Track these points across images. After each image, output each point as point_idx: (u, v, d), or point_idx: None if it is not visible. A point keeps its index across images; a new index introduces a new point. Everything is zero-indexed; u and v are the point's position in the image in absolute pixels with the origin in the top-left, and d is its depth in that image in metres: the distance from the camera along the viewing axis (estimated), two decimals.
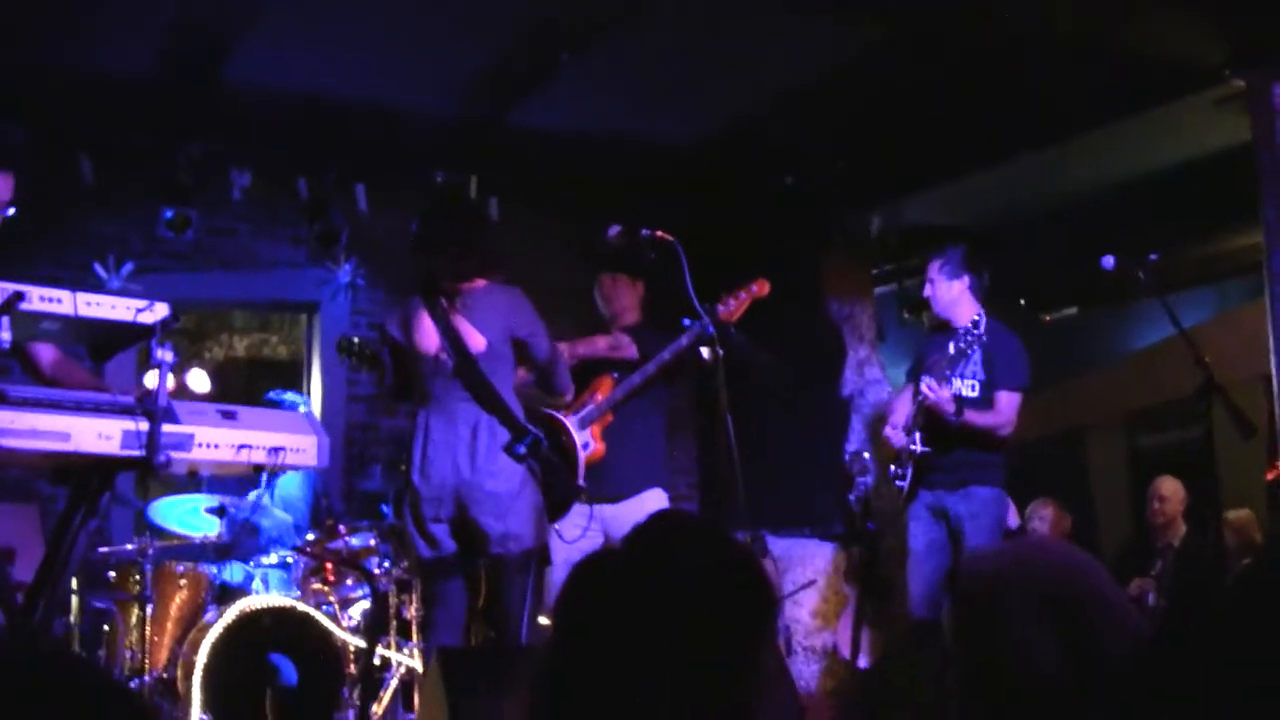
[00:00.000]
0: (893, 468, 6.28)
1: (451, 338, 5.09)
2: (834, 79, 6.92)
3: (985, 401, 6.19)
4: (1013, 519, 8.01)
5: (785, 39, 6.57)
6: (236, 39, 6.59)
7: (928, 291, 6.48)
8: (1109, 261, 5.54)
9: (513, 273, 5.31)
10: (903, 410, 6.33)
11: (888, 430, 6.39)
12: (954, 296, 6.36)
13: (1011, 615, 2.08)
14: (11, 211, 4.59)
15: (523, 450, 4.96)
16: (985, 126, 7.29)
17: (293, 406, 7.37)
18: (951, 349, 5.97)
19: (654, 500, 6.25)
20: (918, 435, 6.12)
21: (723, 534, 2.13)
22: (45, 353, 4.57)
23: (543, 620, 5.57)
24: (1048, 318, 10.39)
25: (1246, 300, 8.93)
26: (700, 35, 6.53)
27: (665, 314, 6.07)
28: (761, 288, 5.97)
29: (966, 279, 6.35)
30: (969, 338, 5.91)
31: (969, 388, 6.20)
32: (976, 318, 5.94)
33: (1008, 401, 6.19)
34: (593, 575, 2.05)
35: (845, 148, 7.75)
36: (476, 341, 5.09)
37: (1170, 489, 7.79)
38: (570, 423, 5.99)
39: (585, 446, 6.04)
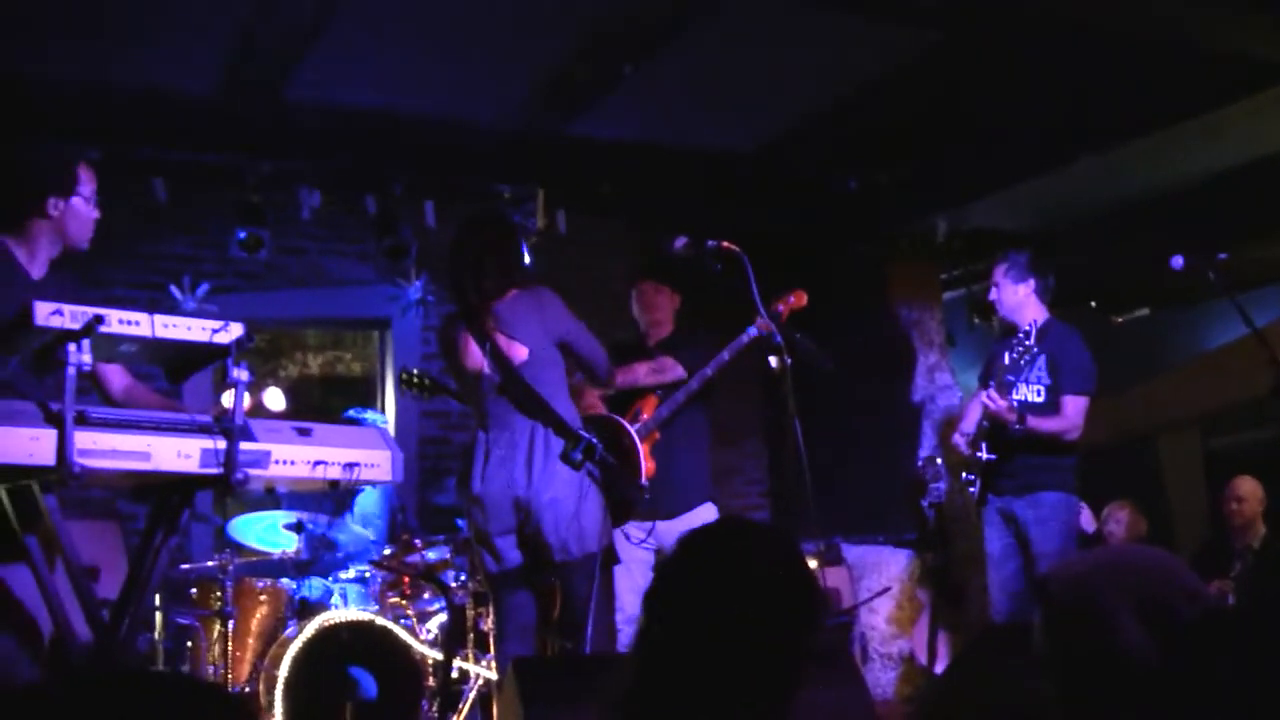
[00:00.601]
0: (964, 474, 6.30)
1: (493, 353, 5.11)
2: (896, 81, 6.89)
3: (1051, 406, 6.16)
4: (1088, 523, 7.96)
5: (845, 42, 6.56)
6: (300, 57, 6.67)
7: (993, 295, 6.47)
8: (1178, 261, 5.50)
9: (579, 282, 5.32)
10: (972, 417, 6.34)
11: (955, 437, 6.40)
12: (1020, 300, 6.36)
13: (1105, 617, 2.09)
14: (96, 215, 4.71)
15: (578, 456, 4.99)
16: (1049, 127, 7.26)
17: (372, 425, 7.45)
18: (1006, 358, 6.03)
19: (707, 515, 6.20)
20: (984, 443, 6.15)
21: (767, 537, 2.21)
22: (114, 375, 4.65)
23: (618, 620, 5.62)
24: (1119, 319, 10.31)
25: None
26: (759, 41, 6.53)
27: (723, 322, 6.05)
28: (799, 299, 5.97)
29: (1032, 282, 6.35)
30: (1020, 346, 5.96)
31: (1034, 393, 6.18)
32: (1030, 326, 5.97)
33: (1073, 406, 6.15)
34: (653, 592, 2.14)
35: (909, 151, 7.72)
36: (519, 353, 5.11)
37: (1249, 489, 7.70)
38: (630, 426, 5.98)
39: None
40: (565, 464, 5.02)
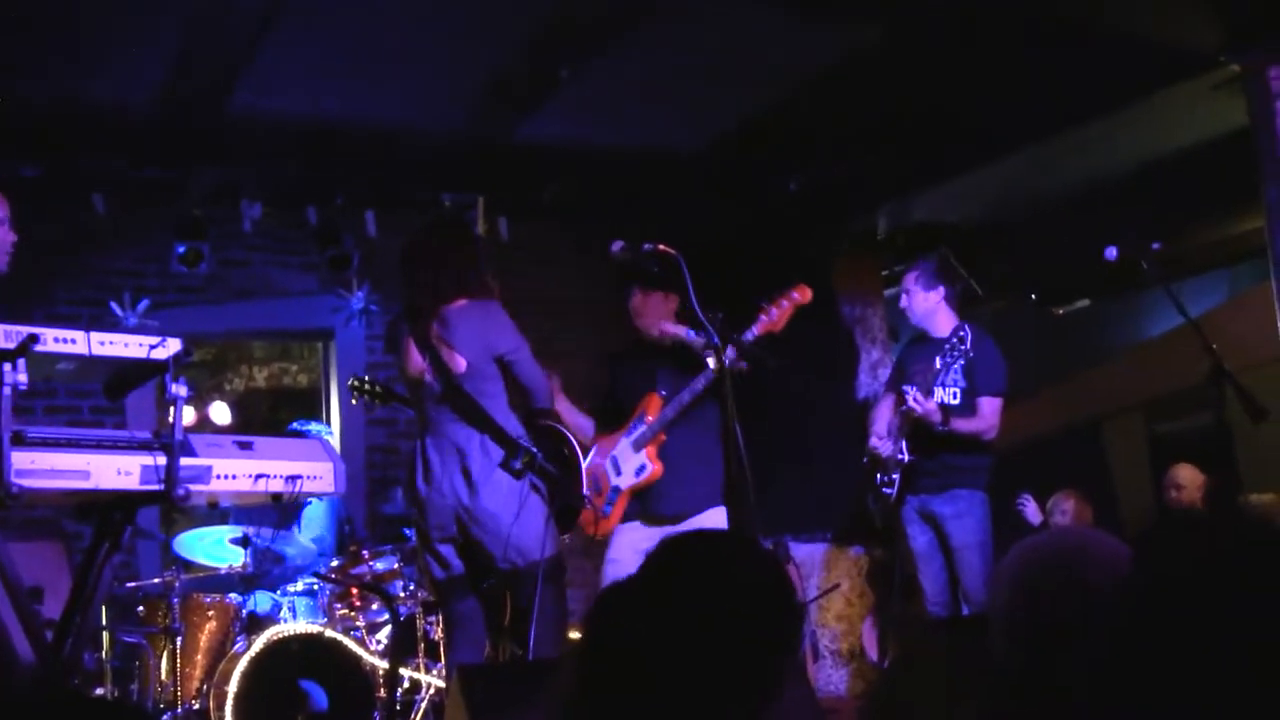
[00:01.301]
0: (879, 475, 6.44)
1: (433, 359, 5.09)
2: (831, 78, 6.92)
3: (968, 408, 6.32)
4: (1034, 515, 8.04)
5: (781, 41, 6.58)
6: (237, 70, 6.64)
7: (904, 303, 6.62)
8: (1112, 252, 5.58)
9: (523, 289, 5.31)
10: (883, 420, 6.51)
11: (872, 440, 6.51)
12: (930, 307, 6.50)
13: (1058, 602, 2.12)
14: (14, 238, 4.67)
15: (518, 465, 4.98)
16: (986, 120, 7.30)
17: (316, 436, 7.43)
18: (937, 362, 6.13)
19: (715, 518, 5.91)
20: (904, 444, 6.30)
21: (745, 550, 2.19)
22: None
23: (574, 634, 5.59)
24: (1060, 311, 10.40)
25: (1259, 282, 8.92)
26: (695, 42, 6.55)
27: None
28: (804, 294, 5.86)
29: (942, 289, 6.49)
30: (955, 351, 6.07)
31: (950, 395, 6.34)
32: (962, 332, 6.07)
33: (990, 407, 6.32)
34: (610, 600, 2.11)
35: (847, 148, 7.75)
36: (457, 363, 5.08)
37: (1187, 476, 7.79)
38: (571, 434, 5.85)
39: (642, 469, 5.98)
40: (505, 472, 5.02)
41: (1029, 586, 2.25)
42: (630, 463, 5.99)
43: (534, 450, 5.05)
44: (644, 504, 5.98)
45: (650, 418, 6.05)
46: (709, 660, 1.99)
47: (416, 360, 5.15)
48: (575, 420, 6.13)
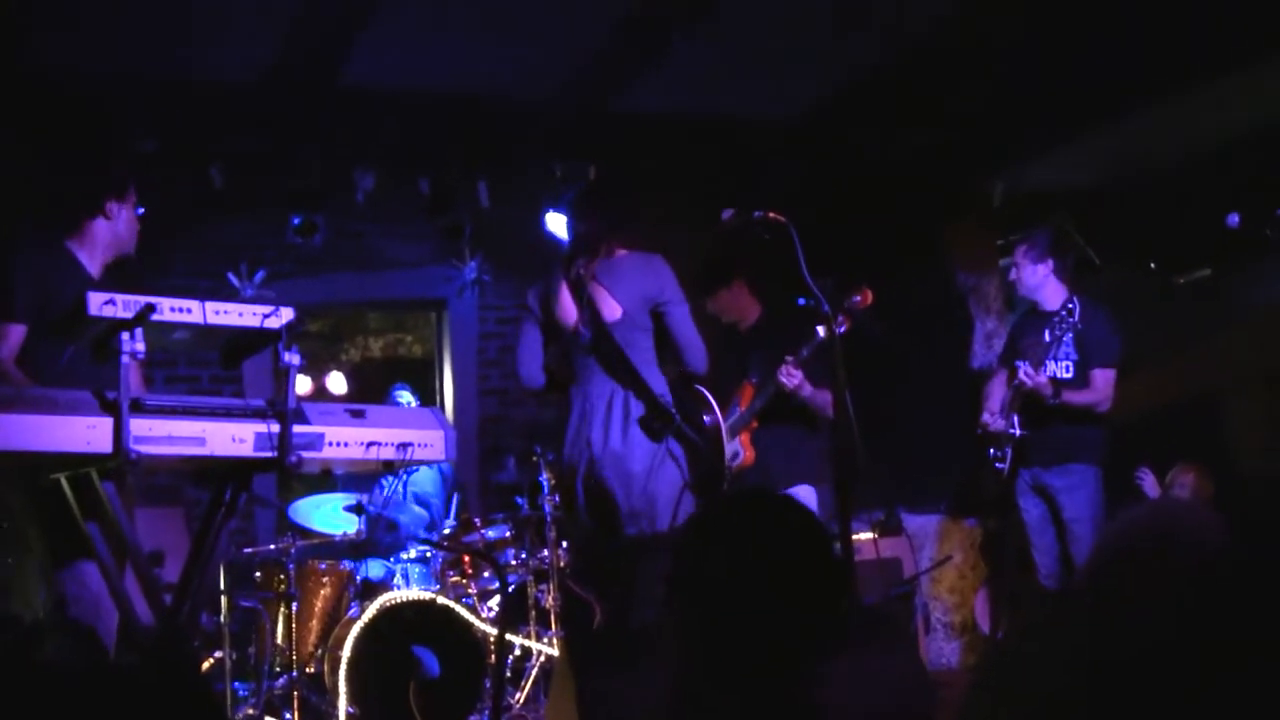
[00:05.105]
0: (992, 450, 6.41)
1: (587, 307, 5.00)
2: (945, 40, 6.81)
3: (1081, 380, 6.30)
4: (1152, 488, 7.88)
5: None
6: (350, 41, 6.70)
7: (1013, 275, 6.62)
8: (1234, 219, 5.48)
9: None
10: (997, 395, 6.48)
11: (985, 416, 6.49)
12: (1039, 280, 6.48)
13: (1134, 576, 2.08)
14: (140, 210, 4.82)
15: (656, 425, 4.87)
16: (1104, 78, 7.11)
17: (398, 402, 7.56)
18: (1046, 335, 6.14)
19: (801, 496, 5.93)
20: (1015, 418, 6.28)
21: (777, 508, 2.24)
22: None
23: None
24: (1181, 280, 10.16)
25: None
26: (796, 7, 6.49)
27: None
28: (866, 298, 5.95)
29: (1051, 262, 6.46)
30: (1064, 325, 6.07)
31: (1064, 369, 6.32)
32: (1070, 304, 6.05)
33: (1103, 379, 6.29)
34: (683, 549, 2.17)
35: (961, 112, 7.62)
36: (612, 310, 4.99)
37: None
38: (714, 401, 5.80)
39: (736, 456, 5.97)
40: (644, 431, 4.96)
41: (1106, 559, 2.21)
42: (727, 449, 5.97)
43: (674, 412, 4.94)
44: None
45: (742, 407, 6.09)
46: (743, 613, 2.08)
47: (568, 307, 5.05)
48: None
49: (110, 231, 4.93)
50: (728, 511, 2.24)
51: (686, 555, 2.16)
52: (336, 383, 9.56)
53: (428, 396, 8.77)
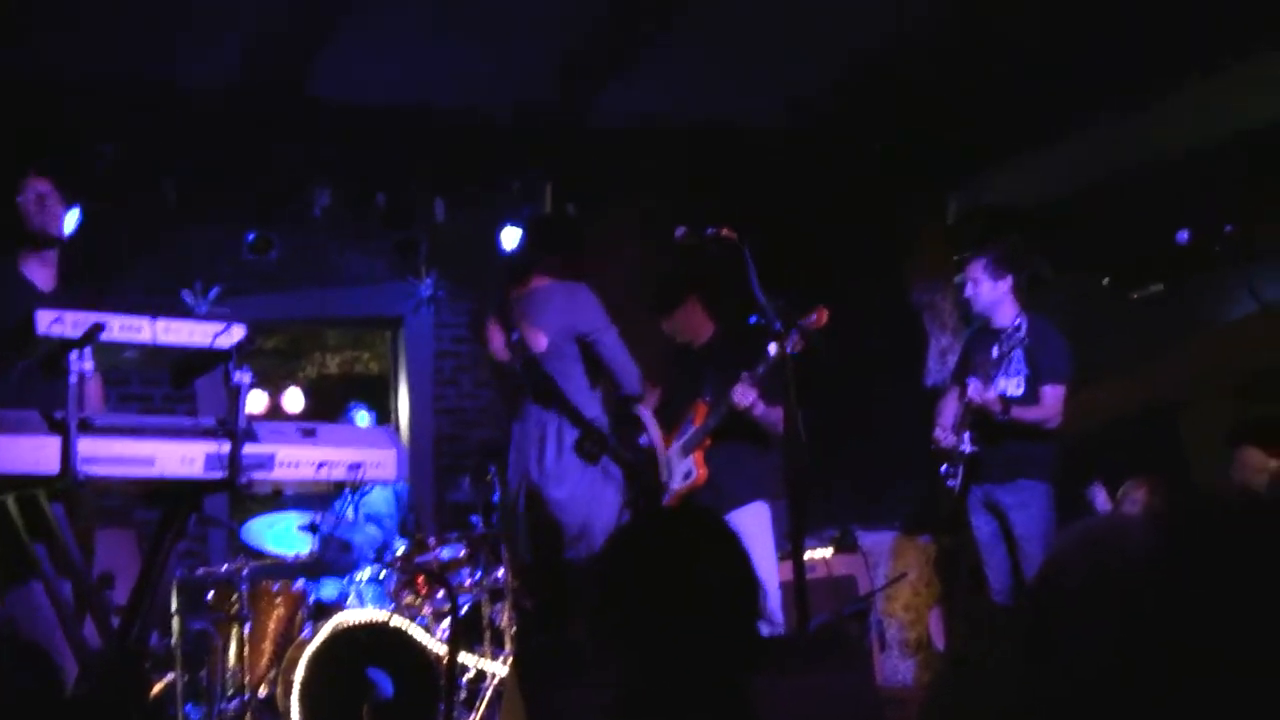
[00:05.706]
0: (944, 467, 6.40)
1: (517, 343, 5.08)
2: (902, 55, 6.83)
3: (1031, 397, 6.29)
4: (1103, 504, 7.91)
5: (847, 14, 6.51)
6: (309, 55, 6.68)
7: (969, 291, 6.56)
8: (1183, 236, 5.52)
9: (591, 270, 5.27)
10: (949, 411, 6.47)
11: (937, 432, 6.47)
12: (998, 296, 6.45)
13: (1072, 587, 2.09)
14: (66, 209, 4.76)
15: (589, 449, 4.95)
16: (1059, 92, 7.16)
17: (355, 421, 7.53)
18: (995, 352, 6.15)
19: (752, 513, 5.97)
20: (966, 435, 6.27)
21: (690, 521, 2.28)
22: None
23: None
24: (1134, 295, 10.22)
25: None
26: (757, 17, 6.50)
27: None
28: (820, 317, 5.74)
29: (1010, 279, 6.44)
30: (1012, 341, 6.08)
31: (1014, 385, 6.30)
32: (1019, 320, 6.08)
33: (1052, 395, 6.28)
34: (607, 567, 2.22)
35: (919, 126, 7.65)
36: (538, 341, 5.07)
37: (1254, 459, 7.62)
38: (650, 419, 5.87)
39: (689, 475, 5.95)
40: (580, 456, 4.99)
41: (1041, 578, 2.23)
42: (680, 467, 5.99)
43: (607, 435, 5.01)
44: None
45: (697, 423, 6.07)
46: (660, 629, 2.09)
47: (498, 341, 5.12)
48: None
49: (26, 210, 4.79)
50: (642, 529, 2.25)
51: (602, 574, 2.17)
52: (293, 400, 9.49)
53: (384, 415, 8.73)
